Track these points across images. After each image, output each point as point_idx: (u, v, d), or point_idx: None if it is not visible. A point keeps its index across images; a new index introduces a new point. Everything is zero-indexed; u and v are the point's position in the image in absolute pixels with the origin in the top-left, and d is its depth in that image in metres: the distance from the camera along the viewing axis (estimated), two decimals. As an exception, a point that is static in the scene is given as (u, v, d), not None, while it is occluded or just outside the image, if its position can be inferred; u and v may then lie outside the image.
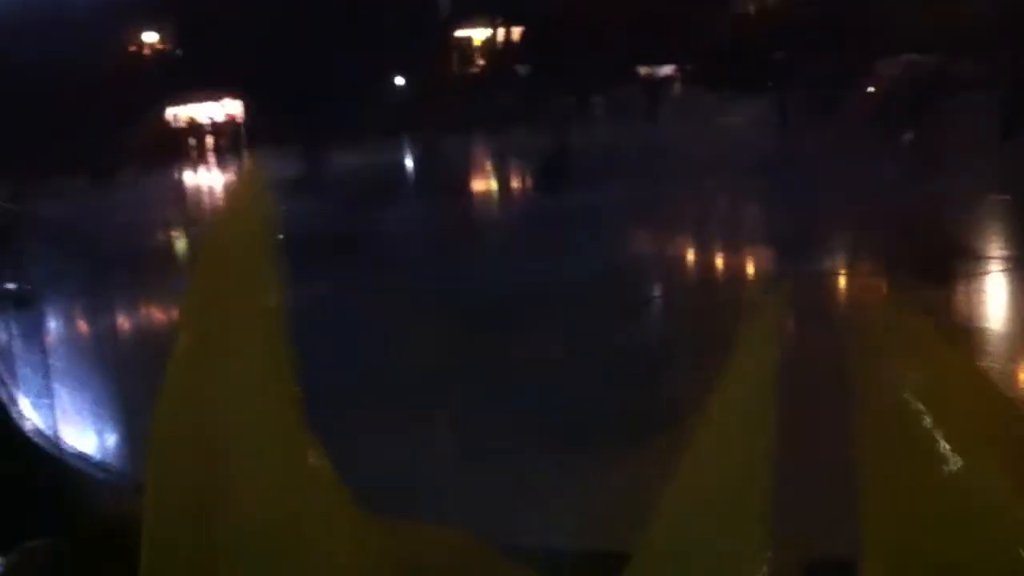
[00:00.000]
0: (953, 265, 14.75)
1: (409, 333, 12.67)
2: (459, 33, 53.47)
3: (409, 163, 31.95)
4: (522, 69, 45.49)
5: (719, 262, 18.09)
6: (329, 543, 1.88)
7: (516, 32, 51.91)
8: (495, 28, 52.72)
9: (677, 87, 42.46)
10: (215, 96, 42.06)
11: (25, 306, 15.68)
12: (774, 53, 35.91)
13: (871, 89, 31.86)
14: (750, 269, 17.04)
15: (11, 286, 17.03)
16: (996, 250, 15.63)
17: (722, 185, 21.60)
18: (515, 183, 28.41)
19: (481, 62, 51.75)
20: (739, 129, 27.39)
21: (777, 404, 1.69)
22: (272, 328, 1.72)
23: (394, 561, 2.13)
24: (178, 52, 45.10)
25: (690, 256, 18.50)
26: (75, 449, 9.73)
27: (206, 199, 30.04)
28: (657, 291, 16.29)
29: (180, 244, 23.16)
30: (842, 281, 15.37)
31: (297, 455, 1.82)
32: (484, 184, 28.57)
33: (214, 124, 40.52)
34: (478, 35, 53.62)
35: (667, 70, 43.67)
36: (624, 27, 40.11)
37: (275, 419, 1.79)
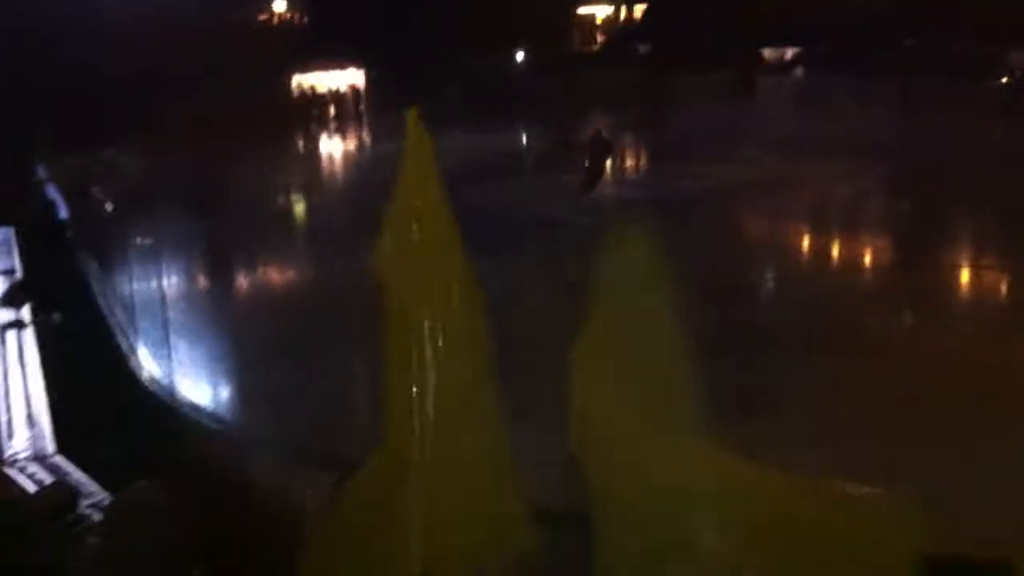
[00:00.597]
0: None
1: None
2: (581, 10, 53.39)
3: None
4: (643, 47, 45.22)
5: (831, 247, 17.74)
6: None
7: (638, 10, 51.58)
8: (617, 5, 52.49)
9: (800, 70, 41.68)
10: (340, 65, 42.83)
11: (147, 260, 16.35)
12: (904, 39, 34.95)
13: (1004, 80, 30.82)
14: (867, 259, 16.69)
15: (143, 240, 17.75)
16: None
17: (838, 170, 21.12)
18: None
19: (601, 38, 51.59)
20: (862, 114, 26.73)
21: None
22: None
23: None
24: (305, 20, 46.00)
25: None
26: (189, 399, 10.14)
27: (325, 166, 30.62)
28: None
29: (298, 208, 23.70)
30: (963, 272, 15.03)
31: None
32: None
33: (337, 92, 41.21)
34: (600, 12, 53.43)
35: (791, 52, 42.91)
36: (748, 8, 39.53)
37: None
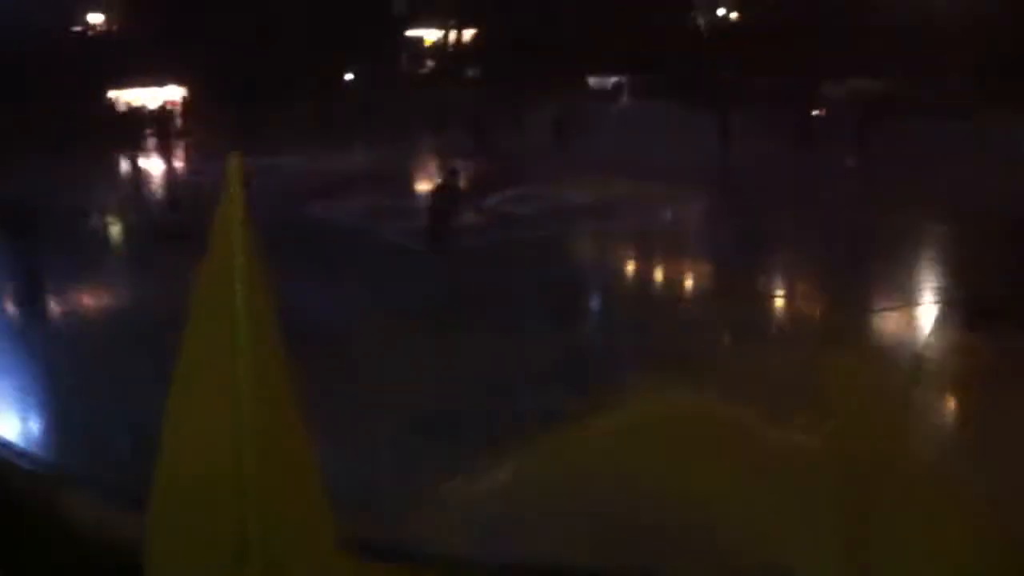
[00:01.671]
0: (878, 293, 14.90)
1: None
2: (411, 33, 53.36)
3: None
4: (472, 72, 45.51)
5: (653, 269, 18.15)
6: None
7: (468, 35, 51.92)
8: (447, 30, 52.72)
9: (625, 98, 42.70)
10: (160, 81, 41.46)
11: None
12: (722, 71, 36.22)
13: (816, 112, 32.29)
14: (688, 282, 17.12)
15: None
16: (922, 281, 15.78)
17: (662, 195, 21.67)
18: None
19: (431, 62, 51.69)
20: (683, 141, 27.55)
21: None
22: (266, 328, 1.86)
23: None
24: (124, 35, 44.41)
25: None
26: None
27: (143, 184, 29.49)
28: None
29: (115, 229, 22.68)
30: (775, 302, 15.46)
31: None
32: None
33: (156, 109, 39.88)
34: (429, 35, 53.54)
35: (615, 80, 43.91)
36: (575, 37, 40.37)
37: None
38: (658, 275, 17.77)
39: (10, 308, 15.73)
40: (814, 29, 36.48)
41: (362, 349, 11.44)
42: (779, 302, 15.60)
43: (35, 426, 10.54)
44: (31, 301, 15.26)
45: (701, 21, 46.78)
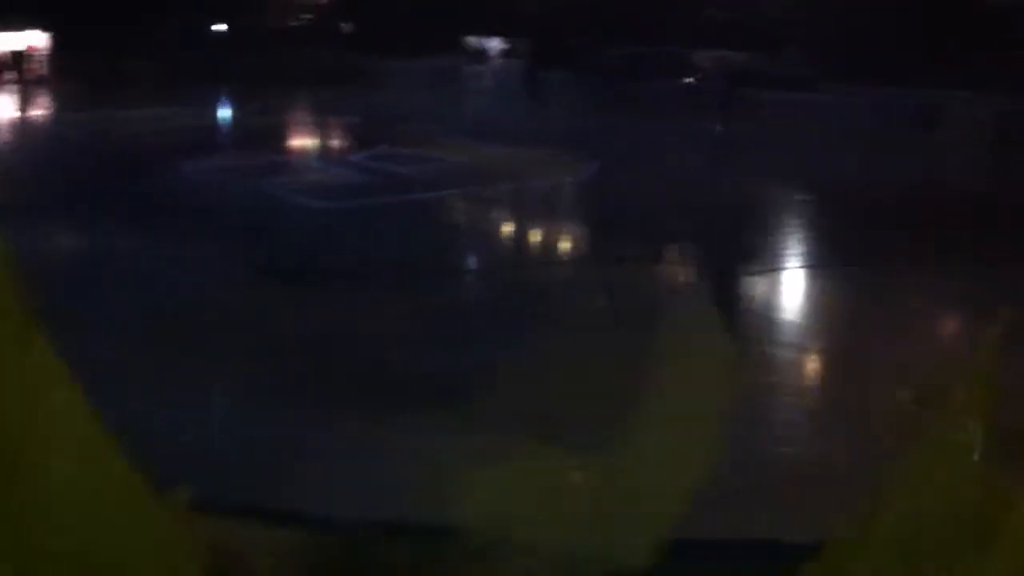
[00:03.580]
0: (744, 259, 15.35)
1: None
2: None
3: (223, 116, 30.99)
4: (346, 27, 44.73)
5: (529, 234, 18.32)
6: (133, 538, 1.97)
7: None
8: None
9: (500, 60, 42.66)
10: (17, 26, 39.65)
11: None
12: (580, 37, 36.43)
13: (689, 80, 32.90)
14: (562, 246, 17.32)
15: None
16: (785, 247, 16.33)
17: (543, 161, 21.82)
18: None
19: (305, 16, 50.61)
20: (563, 108, 27.81)
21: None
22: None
23: (196, 552, 2.22)
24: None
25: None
26: None
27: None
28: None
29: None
30: (643, 267, 15.78)
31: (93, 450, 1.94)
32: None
33: (14, 54, 38.16)
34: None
35: (494, 43, 43.79)
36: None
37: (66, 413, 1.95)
38: (527, 239, 17.92)
39: None
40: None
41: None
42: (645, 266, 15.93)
43: None
44: None
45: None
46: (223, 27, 43.00)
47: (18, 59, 37.66)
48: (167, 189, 18.36)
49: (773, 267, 15.00)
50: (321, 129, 29.34)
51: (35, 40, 39.96)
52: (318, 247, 14.87)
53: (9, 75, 36.19)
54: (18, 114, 31.10)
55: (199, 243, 14.27)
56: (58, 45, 38.56)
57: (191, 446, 7.44)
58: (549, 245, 17.00)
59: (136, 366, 9.05)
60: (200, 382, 9.16)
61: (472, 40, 43.37)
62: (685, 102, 29.56)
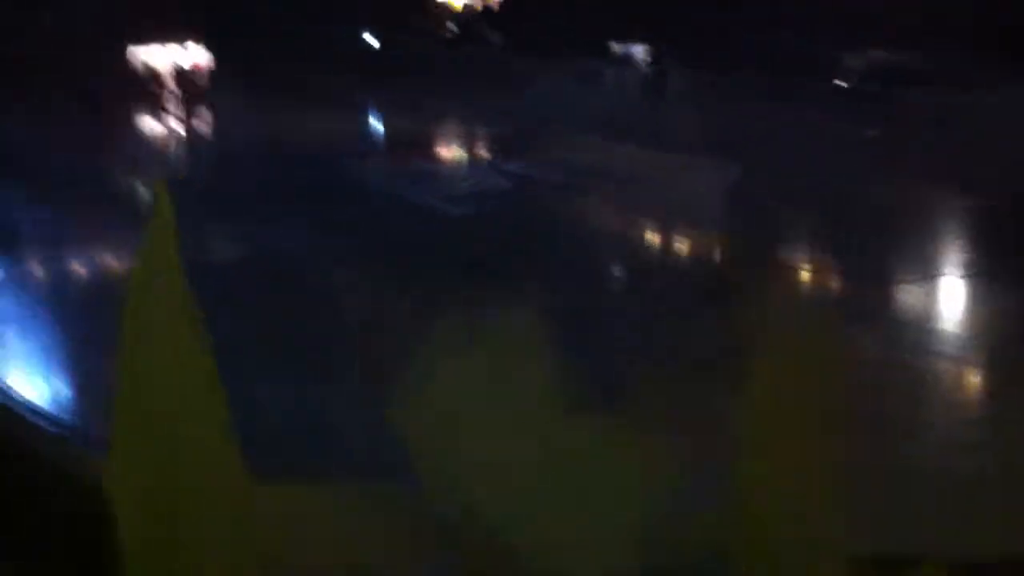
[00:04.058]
0: (901, 266, 14.91)
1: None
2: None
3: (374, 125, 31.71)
4: (494, 35, 45.23)
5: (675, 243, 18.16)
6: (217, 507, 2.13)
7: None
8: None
9: (647, 65, 42.40)
10: (179, 39, 41.40)
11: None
12: (745, 36, 35.87)
13: (839, 81, 32.03)
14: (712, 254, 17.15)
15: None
16: (945, 254, 15.77)
17: (691, 165, 21.58)
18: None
19: (456, 27, 51.41)
20: (712, 109, 27.39)
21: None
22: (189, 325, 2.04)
23: (277, 523, 2.36)
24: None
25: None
26: (23, 397, 9.66)
27: (162, 146, 29.64)
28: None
29: (139, 192, 22.74)
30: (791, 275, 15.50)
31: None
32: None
33: (177, 69, 39.79)
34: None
35: (639, 47, 43.61)
36: (602, 4, 40.04)
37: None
38: (675, 245, 17.80)
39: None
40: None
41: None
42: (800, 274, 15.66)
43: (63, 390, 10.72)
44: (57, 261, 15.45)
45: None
46: (373, 36, 44.01)
47: (181, 74, 39.28)
48: (318, 195, 18.90)
49: (933, 275, 14.55)
50: (468, 135, 29.75)
51: (197, 55, 41.67)
52: (461, 253, 15.04)
53: (174, 90, 37.69)
54: (185, 126, 32.43)
55: (344, 244, 14.67)
56: (219, 57, 40.13)
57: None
58: (696, 250, 16.85)
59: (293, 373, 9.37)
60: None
61: (618, 44, 43.27)
62: (833, 103, 28.77)
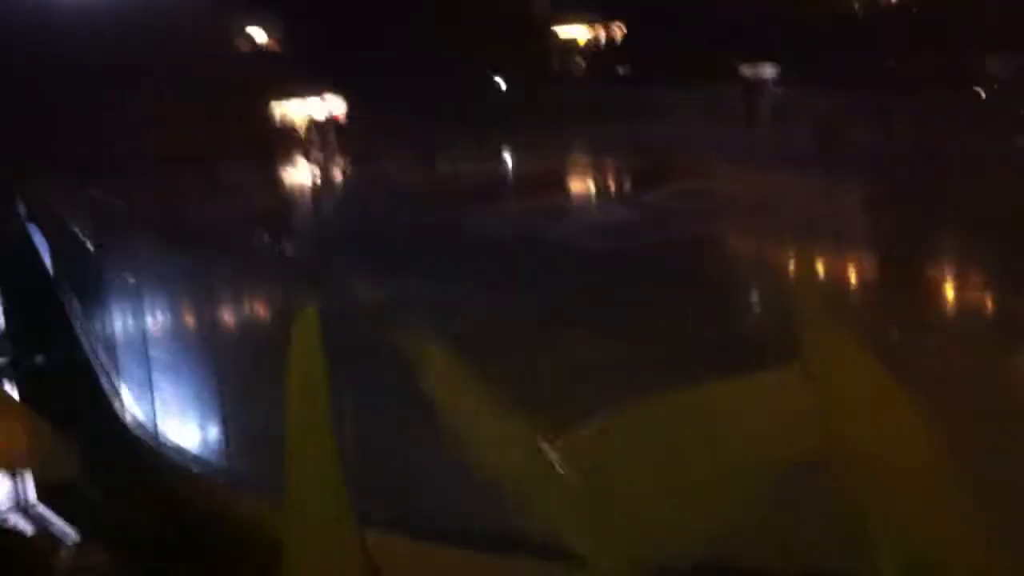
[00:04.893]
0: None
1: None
2: (560, 32, 53.56)
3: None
4: (623, 68, 45.35)
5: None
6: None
7: (617, 30, 51.71)
8: (594, 26, 52.62)
9: (777, 87, 41.75)
10: (318, 92, 42.75)
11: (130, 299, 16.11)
12: (877, 54, 35.06)
13: (979, 91, 30.87)
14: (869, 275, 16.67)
15: (126, 277, 17.51)
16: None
17: (822, 187, 21.11)
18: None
19: (582, 62, 51.76)
20: (844, 131, 26.81)
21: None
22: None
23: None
24: (283, 47, 46.05)
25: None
26: (173, 442, 10.04)
27: (307, 197, 30.54)
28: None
29: (285, 241, 23.36)
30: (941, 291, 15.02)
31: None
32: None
33: (316, 122, 41.02)
34: (579, 35, 53.59)
35: (768, 70, 43.00)
36: (725, 26, 39.72)
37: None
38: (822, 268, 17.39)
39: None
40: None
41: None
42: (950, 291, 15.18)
43: (210, 433, 11.07)
44: (208, 312, 16.03)
45: (856, 3, 45.31)
46: (500, 78, 44.61)
47: (321, 127, 40.49)
48: (454, 237, 19.17)
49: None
50: (601, 169, 29.79)
51: (335, 106, 43.00)
52: (603, 291, 14.88)
53: (317, 143, 38.77)
54: (321, 176, 33.35)
55: (488, 289, 14.81)
56: (357, 109, 41.28)
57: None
58: (847, 275, 16.45)
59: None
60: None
61: (748, 68, 42.79)
62: (978, 116, 27.70)
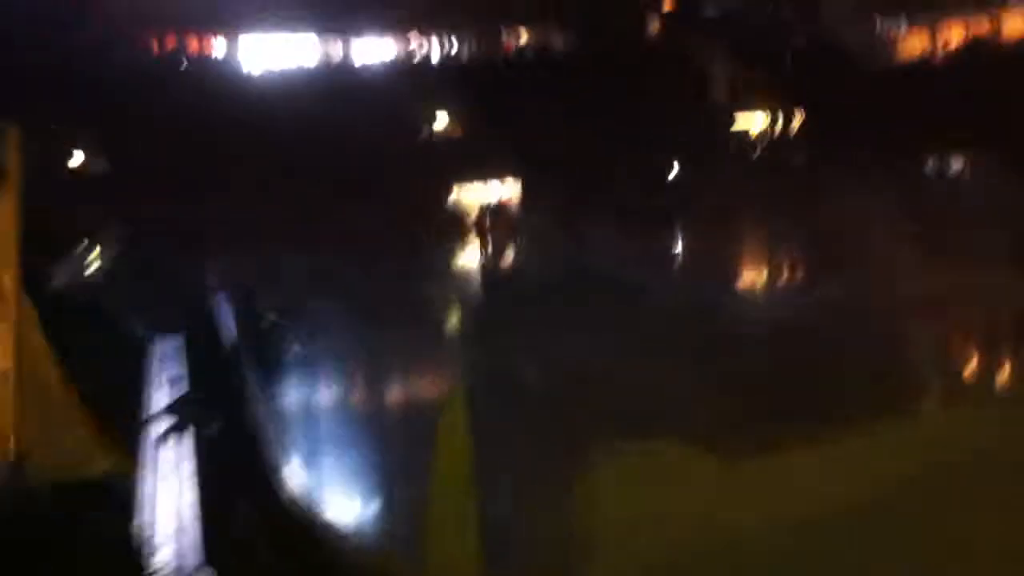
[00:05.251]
0: None
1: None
2: (737, 120, 53.28)
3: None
4: (798, 158, 44.68)
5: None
6: None
7: (795, 119, 51.05)
8: (773, 113, 52.10)
9: (967, 175, 40.34)
10: (497, 176, 43.69)
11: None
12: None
13: None
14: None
15: (302, 352, 18.21)
16: None
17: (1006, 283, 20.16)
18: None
19: (757, 151, 51.28)
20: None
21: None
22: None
23: None
24: (464, 133, 47.31)
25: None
26: (330, 513, 10.36)
27: (485, 278, 31.17)
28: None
29: (454, 321, 23.81)
30: None
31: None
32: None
33: (491, 206, 41.73)
34: (755, 124, 53.18)
35: (957, 159, 41.65)
36: (910, 113, 38.72)
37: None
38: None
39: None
40: None
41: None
42: None
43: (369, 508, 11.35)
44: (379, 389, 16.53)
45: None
46: (676, 167, 44.69)
47: (492, 212, 41.21)
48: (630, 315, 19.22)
49: None
50: (775, 258, 29.38)
51: (506, 191, 43.91)
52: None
53: (482, 226, 39.40)
54: (489, 263, 33.91)
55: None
56: (527, 195, 42.14)
57: None
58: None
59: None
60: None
61: (934, 156, 41.62)
62: None
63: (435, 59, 51.71)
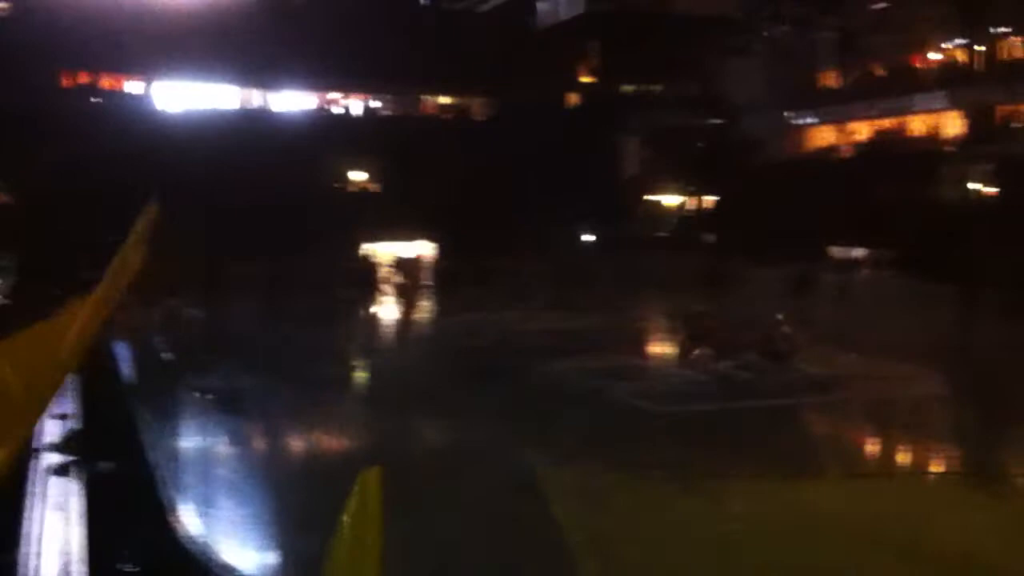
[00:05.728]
0: None
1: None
2: (653, 197, 54.49)
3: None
4: (709, 237, 45.72)
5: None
6: None
7: (708, 201, 52.42)
8: (687, 195, 53.45)
9: (866, 270, 41.56)
10: (412, 236, 43.91)
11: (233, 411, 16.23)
12: (969, 245, 34.64)
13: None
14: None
15: (199, 393, 17.73)
16: None
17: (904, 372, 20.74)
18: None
19: (668, 227, 52.46)
20: (924, 317, 26.54)
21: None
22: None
23: None
24: (382, 191, 47.45)
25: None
26: (224, 561, 9.93)
27: (389, 332, 30.89)
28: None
29: (358, 375, 23.45)
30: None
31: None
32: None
33: (402, 261, 41.84)
34: (671, 200, 54.50)
35: (858, 252, 42.94)
36: (818, 208, 39.91)
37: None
38: (889, 454, 16.99)
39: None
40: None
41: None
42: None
43: (267, 558, 10.94)
44: (277, 435, 16.09)
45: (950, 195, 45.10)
46: (591, 236, 45.32)
47: (406, 266, 41.26)
48: (522, 388, 19.08)
49: None
50: (679, 333, 29.61)
51: (423, 248, 44.00)
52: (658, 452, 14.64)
53: (399, 280, 39.38)
54: (404, 316, 33.72)
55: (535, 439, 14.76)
56: (444, 251, 42.20)
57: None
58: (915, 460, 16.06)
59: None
60: None
61: (837, 249, 42.81)
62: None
63: (353, 113, 52.04)
